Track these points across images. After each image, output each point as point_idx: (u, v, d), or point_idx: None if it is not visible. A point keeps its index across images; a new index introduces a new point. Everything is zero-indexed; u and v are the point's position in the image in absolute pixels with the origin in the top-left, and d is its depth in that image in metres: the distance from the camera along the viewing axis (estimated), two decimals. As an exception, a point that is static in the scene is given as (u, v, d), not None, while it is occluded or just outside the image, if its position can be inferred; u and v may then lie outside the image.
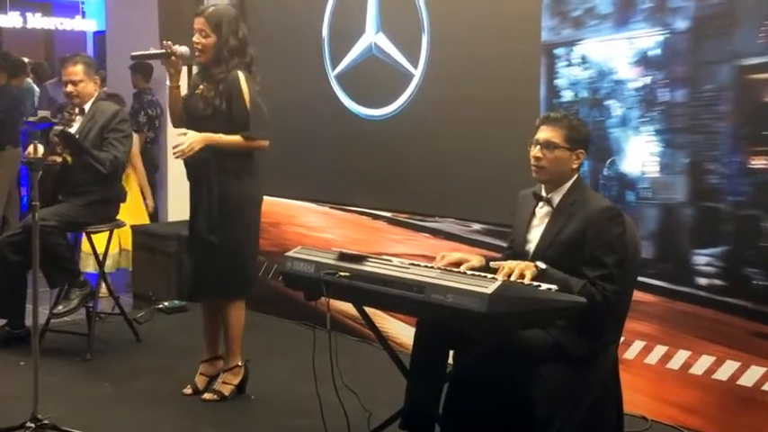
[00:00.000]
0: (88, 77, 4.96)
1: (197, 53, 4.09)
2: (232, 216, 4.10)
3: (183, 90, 4.28)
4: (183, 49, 4.13)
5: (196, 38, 4.07)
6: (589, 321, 3.05)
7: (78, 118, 4.99)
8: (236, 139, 4.03)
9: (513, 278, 2.97)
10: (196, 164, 4.07)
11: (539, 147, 3.23)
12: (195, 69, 4.32)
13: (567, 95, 4.21)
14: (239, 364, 4.27)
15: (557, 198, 3.25)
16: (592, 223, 3.12)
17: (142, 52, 4.27)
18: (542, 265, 3.06)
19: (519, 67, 4.43)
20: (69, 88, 4.96)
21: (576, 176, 3.26)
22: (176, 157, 4.01)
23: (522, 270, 3.01)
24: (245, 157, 4.13)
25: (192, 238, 4.24)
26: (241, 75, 4.03)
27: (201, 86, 4.10)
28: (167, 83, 4.18)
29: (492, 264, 3.16)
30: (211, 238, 4.10)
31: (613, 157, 4.04)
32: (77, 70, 4.93)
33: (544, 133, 3.24)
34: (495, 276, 2.93)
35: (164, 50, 4.11)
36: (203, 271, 4.18)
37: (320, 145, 5.61)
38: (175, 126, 4.39)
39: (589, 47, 4.11)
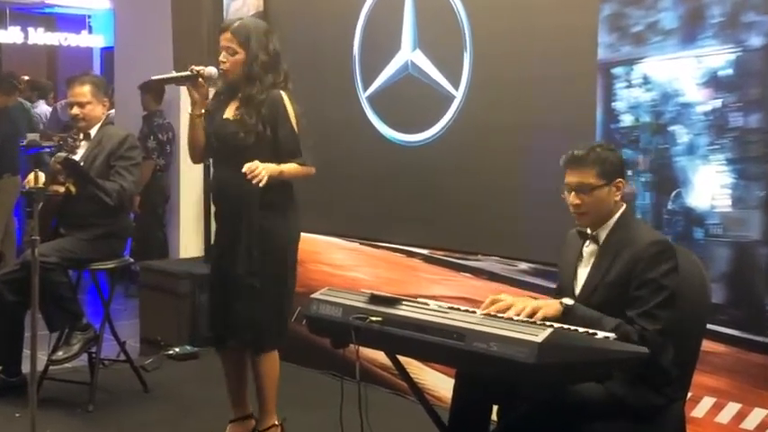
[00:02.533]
0: (96, 99, 5.03)
1: (222, 72, 4.10)
2: (274, 256, 4.11)
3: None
4: (211, 71, 4.13)
5: (223, 56, 4.08)
6: (649, 372, 3.04)
7: (83, 143, 5.05)
8: (294, 167, 4.04)
9: (522, 317, 2.98)
10: (235, 196, 4.06)
11: (573, 192, 3.25)
12: (211, 92, 4.32)
13: (627, 120, 4.20)
14: (276, 423, 4.27)
15: (603, 235, 3.28)
16: (638, 260, 3.13)
17: (163, 75, 4.26)
18: (569, 302, 3.08)
19: (572, 89, 4.44)
20: (75, 110, 5.03)
21: (622, 208, 3.28)
22: (259, 183, 3.89)
23: (535, 308, 3.01)
24: (289, 187, 4.14)
25: (222, 278, 4.18)
26: (284, 94, 4.07)
27: (237, 111, 4.09)
28: (189, 111, 4.16)
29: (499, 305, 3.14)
30: (252, 282, 4.08)
31: (679, 189, 4.02)
32: (85, 91, 5.01)
33: (574, 176, 3.25)
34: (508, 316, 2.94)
35: (189, 73, 4.10)
36: (236, 317, 4.13)
37: (349, 174, 5.64)
38: (195, 162, 4.42)
39: (652, 66, 4.11)
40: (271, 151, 4.03)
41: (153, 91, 7.89)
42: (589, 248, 3.31)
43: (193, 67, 4.13)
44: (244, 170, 3.88)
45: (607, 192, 3.24)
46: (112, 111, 7.76)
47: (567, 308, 3.07)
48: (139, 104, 8.02)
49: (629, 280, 3.13)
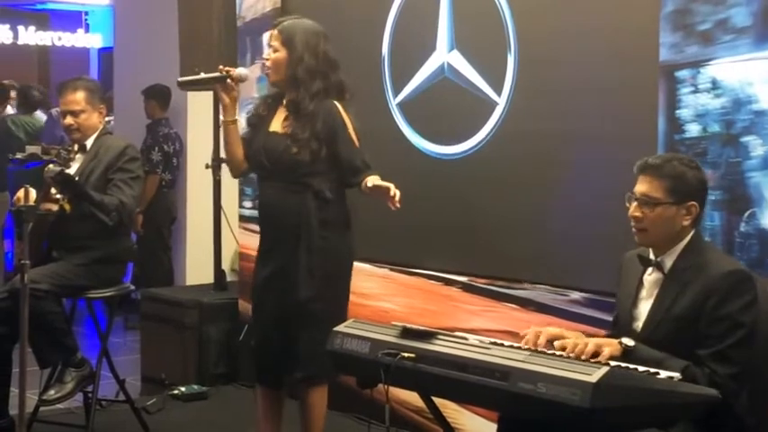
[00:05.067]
0: (91, 107, 5.07)
1: (266, 72, 4.27)
2: (334, 279, 4.25)
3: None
4: (241, 72, 4.30)
5: (266, 53, 4.28)
6: (720, 420, 3.01)
7: (78, 156, 5.09)
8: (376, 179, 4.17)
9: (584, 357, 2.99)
10: (289, 215, 4.17)
11: (636, 203, 3.23)
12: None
13: (693, 130, 4.19)
14: None
15: (668, 262, 3.26)
16: (712, 293, 3.11)
17: (190, 77, 4.41)
18: (629, 342, 3.07)
19: (631, 95, 4.43)
20: (68, 120, 5.07)
21: (692, 233, 3.25)
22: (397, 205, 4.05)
23: (596, 348, 3.00)
24: (344, 205, 4.30)
25: (274, 306, 4.26)
26: (338, 105, 4.21)
27: (285, 122, 4.22)
28: (222, 117, 4.31)
29: (556, 343, 3.15)
30: (314, 308, 4.17)
31: (753, 209, 4.00)
32: (78, 98, 5.05)
33: (642, 185, 3.25)
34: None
35: (218, 74, 4.25)
36: (298, 348, 4.20)
37: (378, 191, 5.64)
38: (235, 176, 4.59)
39: (721, 68, 4.09)
40: (328, 165, 4.18)
41: (158, 96, 7.95)
42: (652, 277, 3.29)
43: (222, 67, 4.29)
44: (392, 194, 4.03)
45: (674, 212, 3.22)
46: (111, 118, 7.84)
47: (627, 349, 3.04)
48: (141, 112, 8.08)
49: (700, 314, 3.10)
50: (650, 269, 3.30)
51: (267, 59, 4.27)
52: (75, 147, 5.10)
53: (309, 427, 4.29)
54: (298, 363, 4.21)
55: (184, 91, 4.58)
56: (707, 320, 3.09)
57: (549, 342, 3.21)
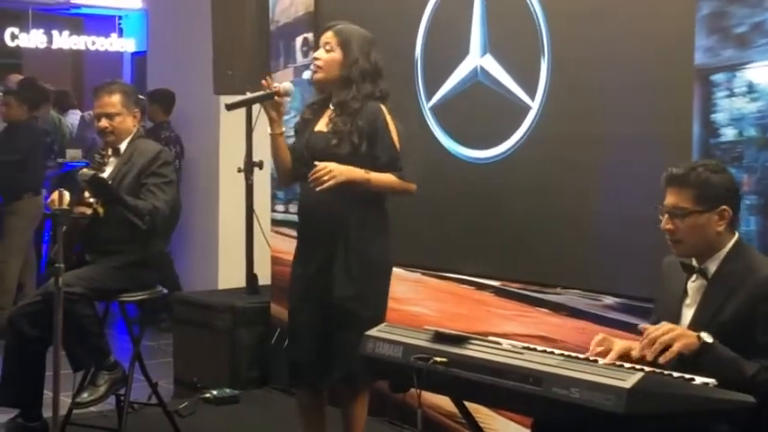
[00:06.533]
0: (126, 110, 5.09)
1: (314, 72, 4.34)
2: (371, 281, 4.30)
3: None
4: (287, 86, 4.37)
5: (318, 53, 4.33)
6: (761, 426, 2.99)
7: (112, 160, 5.11)
8: (389, 178, 4.24)
9: (652, 351, 2.98)
10: (328, 214, 4.21)
11: (667, 215, 3.22)
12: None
13: (729, 134, 4.16)
14: None
15: (712, 268, 3.24)
16: (760, 299, 3.09)
17: (239, 98, 4.49)
18: (708, 338, 3.04)
19: (665, 99, 4.41)
20: (103, 123, 5.09)
21: (735, 239, 3.24)
22: (316, 188, 4.11)
23: (672, 338, 2.98)
24: (383, 208, 4.36)
25: (312, 305, 4.32)
26: (383, 107, 4.29)
27: (331, 118, 4.29)
28: (269, 131, 4.38)
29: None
30: (352, 306, 4.22)
31: (791, 215, 3.97)
32: (114, 101, 5.07)
33: (670, 197, 3.25)
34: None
35: (266, 91, 4.33)
36: (333, 348, 4.24)
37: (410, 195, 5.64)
38: (284, 184, 4.76)
39: (758, 72, 4.06)
40: (368, 166, 4.22)
41: (162, 100, 8.07)
42: (696, 284, 3.27)
43: (266, 81, 4.36)
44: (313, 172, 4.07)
45: (706, 219, 3.21)
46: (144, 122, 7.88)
47: (705, 345, 3.02)
48: (173, 115, 8.14)
49: (750, 320, 3.08)
50: (694, 276, 3.28)
51: (318, 59, 4.32)
52: (109, 150, 5.12)
53: None
54: (336, 363, 4.23)
55: (231, 110, 4.50)
56: (762, 328, 3.07)
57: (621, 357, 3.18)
